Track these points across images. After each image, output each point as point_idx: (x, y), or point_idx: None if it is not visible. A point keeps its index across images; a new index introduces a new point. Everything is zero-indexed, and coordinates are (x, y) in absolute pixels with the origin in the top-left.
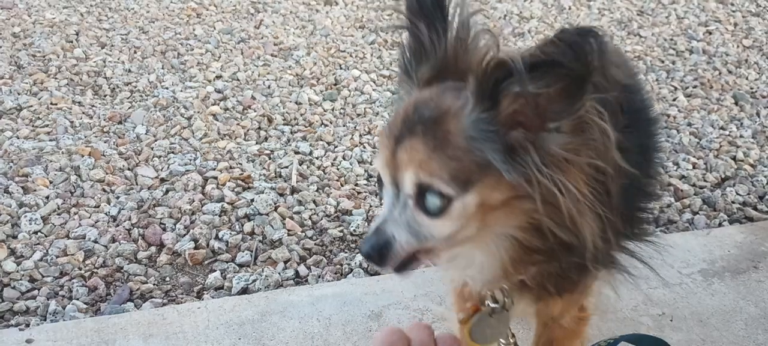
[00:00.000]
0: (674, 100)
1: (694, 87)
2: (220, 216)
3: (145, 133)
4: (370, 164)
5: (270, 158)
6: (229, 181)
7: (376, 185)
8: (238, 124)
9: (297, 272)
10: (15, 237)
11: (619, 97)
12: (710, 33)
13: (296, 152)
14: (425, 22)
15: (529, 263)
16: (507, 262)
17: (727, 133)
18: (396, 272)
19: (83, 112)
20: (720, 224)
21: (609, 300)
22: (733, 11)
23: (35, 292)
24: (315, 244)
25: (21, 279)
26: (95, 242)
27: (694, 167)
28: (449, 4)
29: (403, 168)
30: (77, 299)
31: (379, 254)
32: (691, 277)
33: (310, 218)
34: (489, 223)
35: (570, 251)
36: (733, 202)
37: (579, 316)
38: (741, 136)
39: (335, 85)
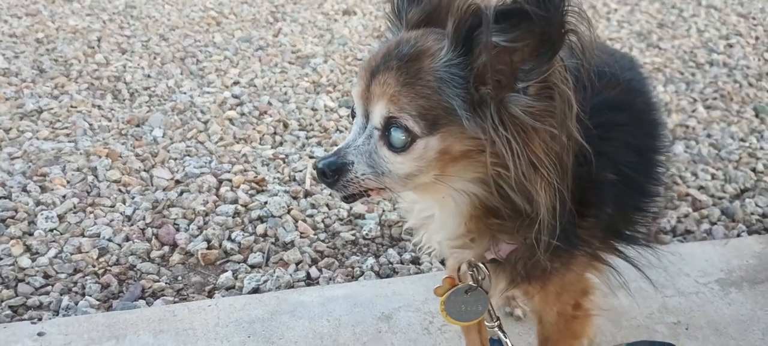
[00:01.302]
0: (693, 111)
1: (714, 99)
2: (233, 218)
3: (162, 136)
4: None
5: (284, 162)
6: (243, 183)
7: (350, 115)
8: (253, 128)
9: (308, 274)
10: (31, 234)
11: (590, 71)
12: (731, 46)
13: (311, 157)
14: None
15: (486, 224)
16: (464, 222)
17: (746, 145)
18: (344, 201)
19: (102, 115)
20: (738, 235)
21: (622, 307)
22: (755, 25)
23: (49, 287)
24: (327, 246)
25: (35, 275)
26: (109, 240)
27: (712, 178)
28: None
29: (375, 100)
30: (90, 296)
31: (333, 175)
32: (708, 286)
33: (322, 221)
34: (447, 173)
35: (524, 219)
36: (752, 213)
37: (573, 314)
38: (761, 149)
39: (349, 93)
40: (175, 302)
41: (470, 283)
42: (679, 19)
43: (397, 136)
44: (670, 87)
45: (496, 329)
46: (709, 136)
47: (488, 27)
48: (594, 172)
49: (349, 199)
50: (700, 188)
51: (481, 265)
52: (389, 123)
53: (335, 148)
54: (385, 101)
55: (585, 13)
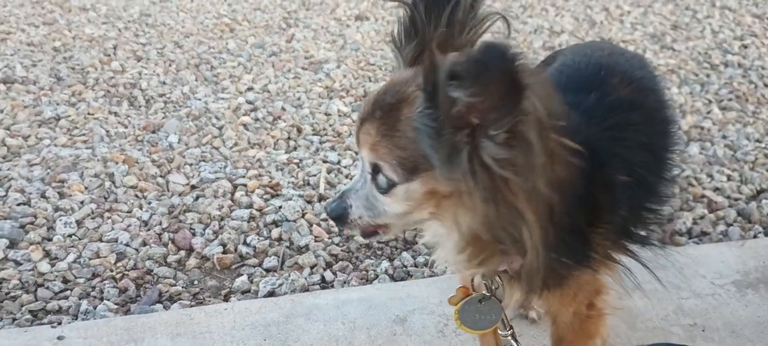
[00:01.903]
0: (708, 112)
1: (730, 100)
2: (248, 222)
3: (178, 142)
4: None
5: (299, 167)
6: (257, 188)
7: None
8: (268, 134)
9: (323, 278)
10: (50, 240)
11: (560, 123)
12: (746, 47)
13: (324, 161)
14: (425, 3)
15: (489, 249)
16: (468, 246)
17: (762, 145)
18: (363, 237)
19: (119, 122)
20: (755, 236)
21: (638, 309)
22: None
23: (68, 292)
24: (341, 250)
25: (55, 280)
26: (127, 245)
27: (728, 179)
28: None
29: (362, 147)
30: (108, 300)
31: (339, 218)
32: (725, 288)
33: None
34: (442, 209)
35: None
36: None
37: (587, 314)
38: None
39: (364, 96)
40: (191, 306)
41: (484, 292)
42: (693, 20)
43: (381, 180)
44: (685, 89)
45: (510, 338)
46: (724, 137)
47: (443, 84)
48: (607, 175)
49: (365, 236)
50: (716, 189)
51: (496, 275)
52: (374, 168)
53: (341, 191)
54: (368, 150)
55: (534, 66)
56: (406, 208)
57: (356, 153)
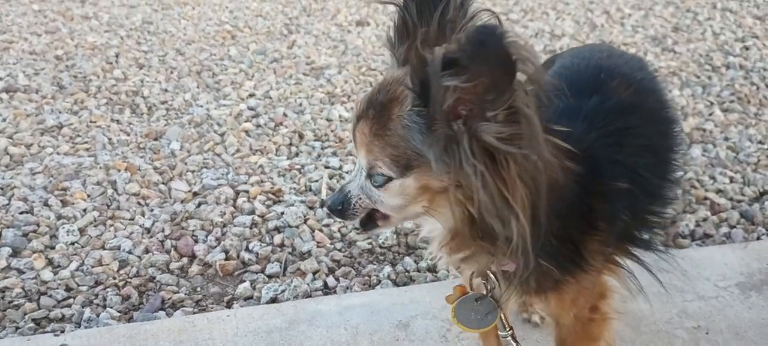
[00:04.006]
0: (710, 114)
1: (731, 102)
2: (250, 228)
3: (180, 149)
4: None
5: (300, 173)
6: (260, 194)
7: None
8: (269, 140)
9: (325, 283)
10: (53, 248)
11: (541, 90)
12: (747, 48)
13: (326, 167)
14: (416, 3)
15: (476, 245)
16: (456, 240)
17: (765, 147)
18: (362, 229)
19: (121, 130)
20: (758, 238)
21: (642, 312)
22: None
23: (71, 300)
24: (343, 256)
25: (57, 288)
26: (129, 252)
27: (731, 181)
28: None
29: (358, 146)
30: (111, 307)
31: (341, 208)
32: (728, 290)
33: (339, 230)
34: (435, 204)
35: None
36: None
37: (590, 317)
38: None
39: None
40: (194, 313)
41: (482, 292)
42: (694, 22)
43: (375, 176)
44: (687, 91)
45: (510, 338)
46: (726, 139)
47: (437, 78)
48: (606, 183)
49: (364, 226)
50: (719, 191)
51: (491, 275)
52: (369, 166)
53: (340, 186)
54: (363, 150)
55: (524, 42)
56: (401, 201)
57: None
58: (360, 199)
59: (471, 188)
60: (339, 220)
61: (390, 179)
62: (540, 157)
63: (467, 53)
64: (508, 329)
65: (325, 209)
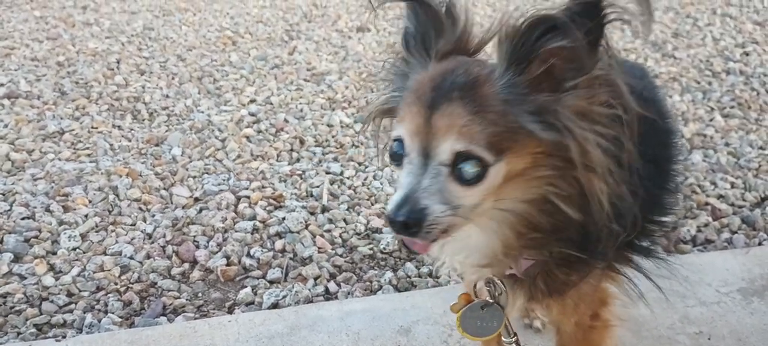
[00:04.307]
0: (711, 120)
1: (732, 107)
2: (252, 234)
3: (181, 155)
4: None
5: (301, 178)
6: (261, 200)
7: (389, 156)
8: (270, 145)
9: (327, 289)
10: (54, 253)
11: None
12: (747, 54)
13: (327, 172)
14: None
15: (524, 245)
16: (503, 242)
17: (766, 152)
18: (409, 249)
19: (122, 136)
20: (760, 243)
21: (643, 317)
22: None
23: (72, 305)
24: (345, 261)
25: (59, 293)
26: (131, 258)
27: (732, 187)
28: None
29: (441, 135)
30: (112, 313)
31: (415, 224)
32: (730, 296)
33: (340, 236)
34: (502, 196)
35: (565, 233)
36: None
37: (591, 325)
38: None
39: (367, 107)
40: (195, 319)
41: (487, 299)
42: (694, 28)
43: (469, 169)
44: (687, 96)
45: (514, 344)
46: (727, 144)
47: (568, 26)
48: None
49: (409, 248)
50: (720, 196)
51: (498, 281)
52: (459, 157)
53: (397, 198)
54: (454, 135)
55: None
56: (483, 197)
57: (360, 163)
58: (443, 212)
59: (571, 157)
60: (404, 242)
61: (486, 168)
62: (628, 111)
63: (569, 16)
64: (512, 336)
65: (388, 227)
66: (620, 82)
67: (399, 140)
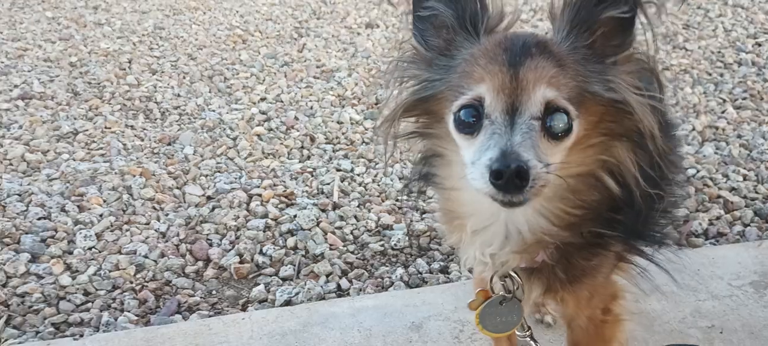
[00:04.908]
0: (723, 112)
1: (744, 99)
2: (264, 232)
3: (193, 154)
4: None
5: (312, 176)
6: (272, 198)
7: (455, 126)
8: (281, 143)
9: (339, 286)
10: (71, 253)
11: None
12: (759, 45)
13: (338, 170)
14: None
15: (566, 224)
16: (550, 221)
17: None
18: (512, 204)
19: (135, 135)
20: None
21: (655, 312)
22: None
23: (89, 304)
24: (356, 258)
25: (76, 292)
26: (145, 257)
27: (744, 179)
28: None
29: (531, 88)
30: (128, 311)
31: (520, 178)
32: (742, 289)
33: (351, 232)
34: (568, 160)
35: (601, 211)
36: None
37: (603, 319)
38: None
39: (376, 104)
40: (210, 316)
41: (504, 293)
42: (705, 19)
43: (559, 121)
44: (698, 89)
45: (528, 338)
46: (739, 136)
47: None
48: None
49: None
50: (732, 189)
51: (514, 274)
52: (550, 109)
53: (493, 154)
54: (544, 85)
55: None
56: (563, 157)
57: (370, 160)
58: (540, 169)
59: (622, 122)
60: (511, 201)
61: (571, 124)
62: (660, 86)
63: None
64: (526, 330)
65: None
66: (655, 64)
67: (471, 106)
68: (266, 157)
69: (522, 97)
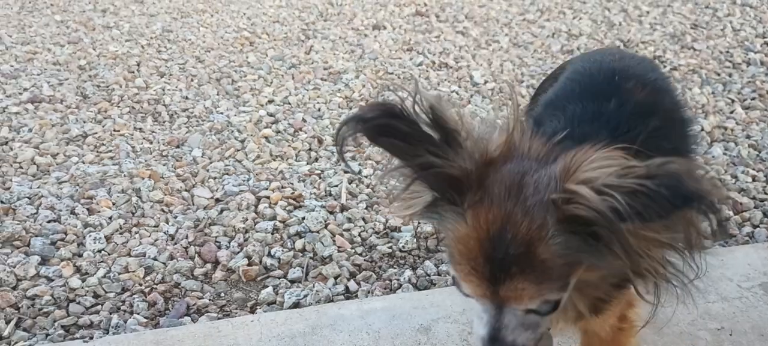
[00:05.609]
0: (731, 112)
1: (753, 99)
2: (272, 234)
3: (201, 156)
4: None
5: (320, 178)
6: (280, 200)
7: (454, 284)
8: (289, 145)
9: (347, 288)
10: (80, 255)
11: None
12: None
13: (346, 172)
14: (450, 147)
15: (587, 300)
16: (570, 310)
17: None
18: None
19: (144, 138)
20: None
21: (664, 314)
22: None
23: (99, 307)
24: (364, 260)
25: (86, 295)
26: (155, 259)
27: (753, 180)
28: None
29: (513, 302)
30: (138, 314)
31: None
32: (752, 291)
33: (359, 234)
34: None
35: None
36: None
37: (619, 326)
38: None
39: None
40: (219, 318)
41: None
42: (714, 18)
43: (544, 308)
44: (707, 89)
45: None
46: (748, 137)
47: (613, 226)
48: None
49: None
50: (741, 190)
51: None
52: (533, 308)
53: (483, 334)
54: (525, 302)
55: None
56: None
57: (378, 162)
58: (530, 339)
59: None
60: None
61: (557, 304)
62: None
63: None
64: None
65: None
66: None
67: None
68: (274, 160)
69: (505, 305)
